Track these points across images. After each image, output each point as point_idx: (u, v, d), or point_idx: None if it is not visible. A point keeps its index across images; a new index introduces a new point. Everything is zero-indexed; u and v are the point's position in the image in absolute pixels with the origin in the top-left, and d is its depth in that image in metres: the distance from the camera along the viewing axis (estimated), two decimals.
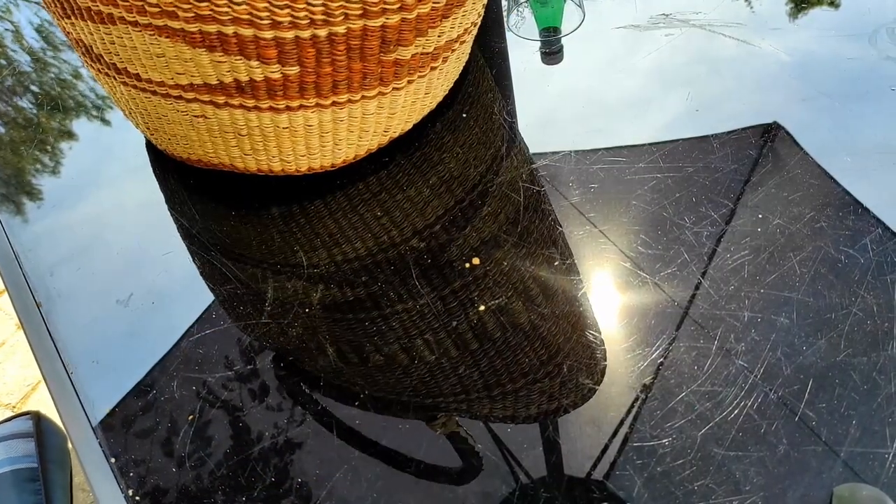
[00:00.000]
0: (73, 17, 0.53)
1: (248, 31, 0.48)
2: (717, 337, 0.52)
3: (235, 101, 0.54)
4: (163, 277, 0.60)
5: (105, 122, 0.75)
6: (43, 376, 0.56)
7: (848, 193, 0.59)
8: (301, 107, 0.55)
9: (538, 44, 0.76)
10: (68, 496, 0.77)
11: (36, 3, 0.91)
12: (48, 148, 0.73)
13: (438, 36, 0.56)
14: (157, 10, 0.47)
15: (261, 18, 0.47)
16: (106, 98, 0.77)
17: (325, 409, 0.51)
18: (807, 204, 0.59)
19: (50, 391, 0.55)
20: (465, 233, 0.60)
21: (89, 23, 0.52)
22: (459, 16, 0.57)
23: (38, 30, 0.87)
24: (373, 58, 0.53)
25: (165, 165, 0.68)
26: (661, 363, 0.51)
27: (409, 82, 0.58)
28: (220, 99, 0.54)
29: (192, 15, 0.47)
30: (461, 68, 0.70)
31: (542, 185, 0.63)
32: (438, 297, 0.56)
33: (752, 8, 0.76)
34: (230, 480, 0.49)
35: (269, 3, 0.46)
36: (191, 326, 0.57)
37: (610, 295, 0.55)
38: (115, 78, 0.57)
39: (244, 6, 0.46)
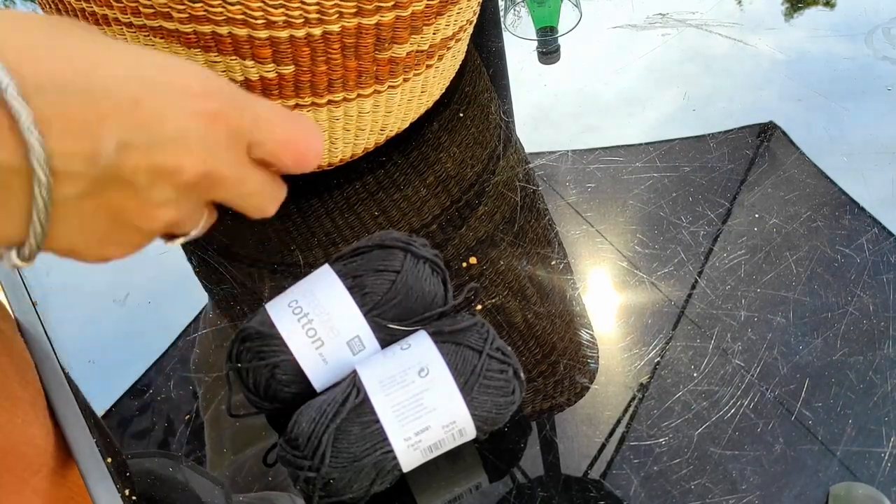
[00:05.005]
0: None
1: (242, 31, 0.48)
2: (713, 336, 0.52)
3: None
4: (159, 277, 0.60)
5: None
6: (39, 376, 0.56)
7: (844, 193, 0.59)
8: (296, 106, 0.55)
9: (535, 43, 0.76)
10: None
11: (32, 2, 0.91)
12: None
13: (433, 33, 0.56)
14: (152, 11, 0.47)
15: (255, 18, 0.47)
16: None
17: None
18: (803, 203, 0.59)
19: (46, 391, 0.55)
20: (461, 232, 0.60)
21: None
22: (454, 13, 0.57)
23: None
24: (368, 56, 0.53)
25: None
26: (658, 362, 0.51)
27: (405, 80, 0.58)
28: None
29: (187, 16, 0.47)
30: (457, 67, 0.70)
31: (539, 185, 0.63)
32: None
33: (748, 7, 0.76)
34: (227, 481, 0.49)
35: (264, 2, 0.46)
36: (187, 326, 0.57)
37: (606, 294, 0.55)
38: None
39: (238, 6, 0.46)
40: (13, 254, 0.28)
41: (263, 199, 0.34)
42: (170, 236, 0.33)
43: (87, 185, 0.27)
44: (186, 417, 0.52)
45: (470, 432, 0.45)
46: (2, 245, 0.28)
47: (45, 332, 0.58)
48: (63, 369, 0.55)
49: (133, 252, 0.32)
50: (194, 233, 0.34)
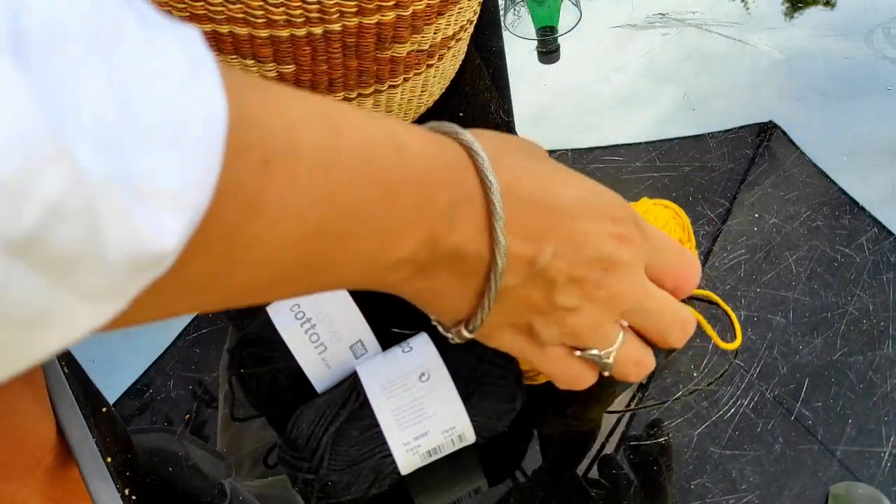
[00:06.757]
0: None
1: (243, 30, 0.48)
2: None
3: None
4: None
5: None
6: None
7: (844, 193, 0.59)
8: None
9: (535, 43, 0.76)
10: None
11: None
12: None
13: (434, 33, 0.56)
14: None
15: (256, 17, 0.47)
16: None
17: None
18: (803, 203, 0.59)
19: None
20: None
21: None
22: (455, 13, 0.57)
23: None
24: (368, 55, 0.53)
25: None
26: (658, 362, 0.51)
27: (406, 80, 0.58)
28: None
29: (188, 14, 0.47)
30: (457, 66, 0.70)
31: None
32: None
33: (748, 7, 0.76)
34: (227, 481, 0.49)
35: (265, 1, 0.46)
36: (187, 325, 0.57)
37: None
38: None
39: (239, 5, 0.46)
40: (462, 328, 0.35)
41: (669, 318, 0.38)
42: (582, 349, 0.37)
43: (521, 279, 0.33)
44: (186, 417, 0.52)
45: (469, 437, 0.45)
46: (451, 320, 0.35)
47: None
48: (63, 369, 0.55)
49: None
50: (604, 352, 0.37)
